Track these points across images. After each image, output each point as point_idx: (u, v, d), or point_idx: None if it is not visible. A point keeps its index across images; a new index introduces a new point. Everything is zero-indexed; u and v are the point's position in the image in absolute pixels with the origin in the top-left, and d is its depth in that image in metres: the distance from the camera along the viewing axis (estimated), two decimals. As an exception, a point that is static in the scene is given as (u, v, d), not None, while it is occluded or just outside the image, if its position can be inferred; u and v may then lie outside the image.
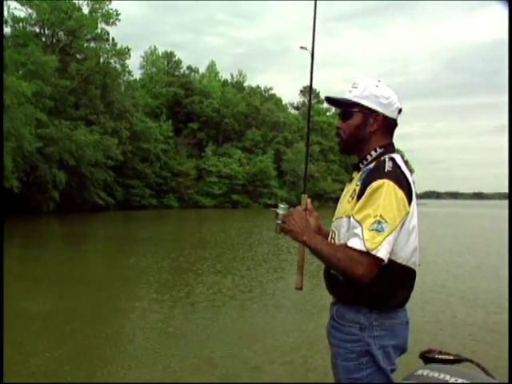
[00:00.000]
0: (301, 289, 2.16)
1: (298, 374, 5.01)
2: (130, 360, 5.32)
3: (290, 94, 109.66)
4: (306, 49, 2.31)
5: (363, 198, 1.83)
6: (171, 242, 18.23)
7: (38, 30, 35.82)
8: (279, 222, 2.03)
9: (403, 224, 1.84)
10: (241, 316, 7.38)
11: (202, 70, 64.93)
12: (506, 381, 2.25)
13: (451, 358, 1.90)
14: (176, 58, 62.58)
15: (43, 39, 35.92)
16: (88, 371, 4.95)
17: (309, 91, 2.60)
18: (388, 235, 1.77)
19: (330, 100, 2.07)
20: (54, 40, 36.93)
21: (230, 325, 6.84)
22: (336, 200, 2.21)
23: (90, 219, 30.06)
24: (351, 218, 1.85)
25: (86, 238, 20.20)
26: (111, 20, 37.31)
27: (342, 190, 2.07)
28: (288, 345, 5.92)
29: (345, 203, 1.97)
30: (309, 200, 2.16)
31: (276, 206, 2.08)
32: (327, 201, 58.35)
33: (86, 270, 11.65)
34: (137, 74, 55.24)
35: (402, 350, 1.95)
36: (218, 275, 10.79)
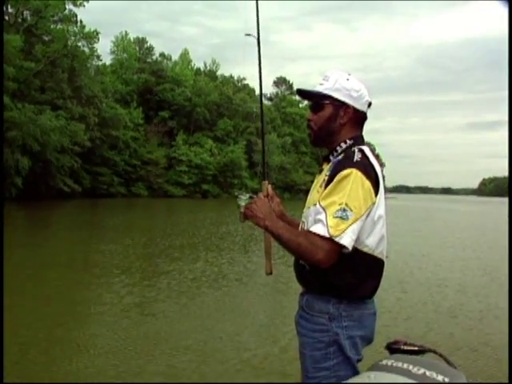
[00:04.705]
0: (270, 273, 2.18)
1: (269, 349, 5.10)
2: (112, 340, 5.25)
3: (265, 84, 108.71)
4: (250, 34, 2.32)
5: (330, 185, 1.85)
6: (142, 231, 17.74)
7: None
8: (242, 210, 2.06)
9: (368, 214, 1.85)
10: (216, 299, 7.42)
11: (176, 58, 63.82)
12: (501, 379, 2.22)
13: (416, 348, 1.93)
14: (148, 44, 61.47)
15: (6, 18, 34.44)
16: (70, 351, 4.90)
17: (259, 78, 2.43)
18: (352, 223, 1.78)
19: (301, 92, 2.09)
20: (19, 19, 35.51)
21: (206, 306, 6.90)
22: (307, 192, 2.18)
23: (55, 206, 29.20)
24: (317, 204, 1.86)
25: (50, 225, 19.47)
26: (79, 1, 36.06)
27: (313, 181, 2.08)
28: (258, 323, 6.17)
29: (314, 194, 1.98)
30: (269, 186, 2.19)
31: (237, 197, 2.11)
32: (298, 192, 58.40)
33: (53, 257, 11.16)
34: (108, 60, 53.94)
35: (368, 340, 1.97)
36: (192, 262, 10.65)
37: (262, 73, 2.38)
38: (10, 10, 34.94)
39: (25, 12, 35.92)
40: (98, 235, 15.65)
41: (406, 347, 1.92)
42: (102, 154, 43.24)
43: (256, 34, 2.33)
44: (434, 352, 1.92)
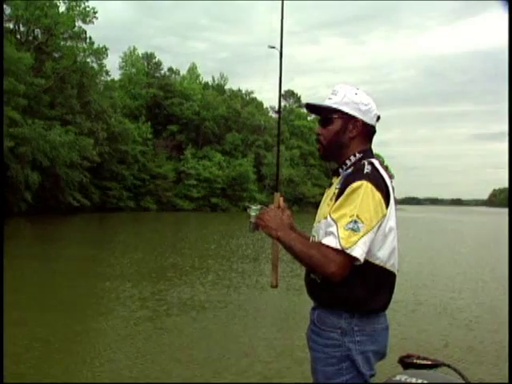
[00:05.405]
0: (276, 286, 2.16)
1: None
2: (125, 353, 5.25)
3: (273, 98, 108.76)
4: (274, 47, 2.33)
5: (341, 198, 1.84)
6: (152, 244, 17.72)
7: (12, 27, 34.87)
8: (252, 220, 2.05)
9: (380, 226, 1.83)
10: (228, 312, 7.34)
11: (184, 72, 64.29)
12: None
13: (429, 362, 1.91)
14: (156, 59, 61.97)
15: (18, 36, 35.00)
16: (82, 364, 4.91)
17: (278, 90, 2.42)
18: (364, 235, 1.77)
19: (310, 106, 2.09)
20: (30, 37, 36.06)
21: (218, 320, 6.87)
22: (315, 205, 2.19)
23: (64, 221, 29.35)
24: (328, 217, 1.85)
25: (60, 239, 19.48)
26: (88, 18, 36.62)
27: (322, 194, 2.09)
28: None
29: (324, 207, 1.97)
30: (281, 198, 2.18)
31: (248, 207, 2.11)
32: (306, 205, 58.23)
33: (63, 272, 11.12)
34: (116, 75, 54.46)
35: (381, 355, 1.93)
36: (202, 276, 10.62)
37: (281, 85, 2.37)
38: (21, 29, 35.54)
39: (36, 30, 36.48)
40: (108, 249, 15.64)
41: (419, 361, 1.91)
42: (110, 169, 43.53)
43: (279, 48, 2.33)
44: (448, 366, 1.90)
